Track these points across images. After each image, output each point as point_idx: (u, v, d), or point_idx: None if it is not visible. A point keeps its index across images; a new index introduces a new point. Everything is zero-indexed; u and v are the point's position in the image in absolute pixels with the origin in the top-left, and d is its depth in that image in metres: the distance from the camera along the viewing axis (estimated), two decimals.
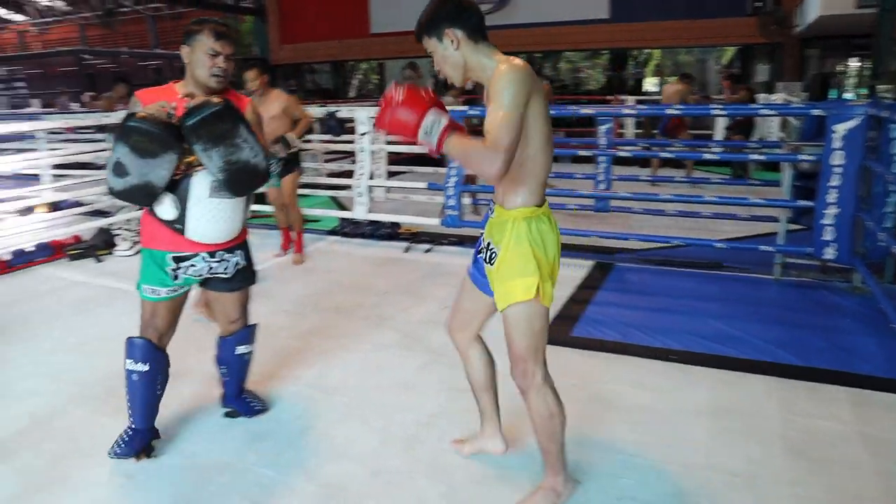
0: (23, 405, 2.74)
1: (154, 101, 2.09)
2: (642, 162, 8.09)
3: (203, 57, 2.15)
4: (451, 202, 4.81)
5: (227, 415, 2.57)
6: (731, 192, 6.39)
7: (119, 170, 2.00)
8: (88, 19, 23.31)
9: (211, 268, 2.27)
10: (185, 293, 2.33)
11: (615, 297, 3.94)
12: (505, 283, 1.82)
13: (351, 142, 5.61)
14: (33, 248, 5.03)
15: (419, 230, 5.41)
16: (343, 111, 5.40)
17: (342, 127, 5.25)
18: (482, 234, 1.97)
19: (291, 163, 4.62)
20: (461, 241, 5.22)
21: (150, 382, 2.24)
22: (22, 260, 4.91)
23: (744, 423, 2.50)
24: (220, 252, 2.27)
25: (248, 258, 2.40)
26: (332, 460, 2.29)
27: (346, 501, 2.08)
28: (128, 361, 2.21)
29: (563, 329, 3.45)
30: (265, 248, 5.18)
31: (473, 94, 7.07)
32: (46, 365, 3.14)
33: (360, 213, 5.38)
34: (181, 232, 2.16)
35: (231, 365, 2.49)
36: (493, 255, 1.84)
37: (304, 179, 6.63)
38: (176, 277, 2.22)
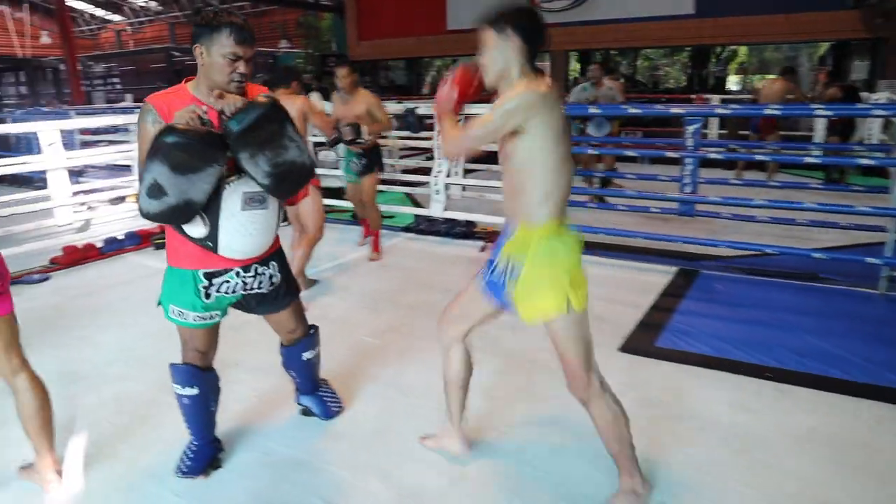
0: (111, 388, 2.83)
1: (168, 105, 1.86)
2: (725, 164, 7.72)
3: (221, 61, 1.84)
4: None
5: (303, 412, 2.55)
6: (828, 197, 5.98)
7: (155, 191, 1.76)
8: (178, 18, 24.41)
9: (245, 283, 2.07)
10: (219, 322, 2.14)
11: (702, 307, 3.73)
12: (533, 299, 1.84)
13: (428, 138, 5.58)
14: (123, 237, 5.25)
15: (494, 229, 5.31)
16: (422, 108, 5.37)
17: (421, 123, 5.22)
18: (495, 250, 1.98)
19: (372, 162, 4.63)
20: None
21: (201, 403, 2.15)
22: (112, 247, 5.14)
23: (849, 453, 2.28)
24: (254, 265, 2.08)
25: (283, 268, 2.19)
26: (409, 465, 2.24)
27: None
28: (175, 386, 2.11)
29: (647, 339, 3.29)
30: (343, 244, 5.23)
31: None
32: (133, 350, 3.24)
33: (436, 210, 5.34)
34: (213, 250, 1.93)
35: (299, 370, 2.44)
36: (515, 271, 1.85)
37: (381, 176, 6.68)
38: (208, 296, 2.02)
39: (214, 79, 1.87)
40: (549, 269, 1.81)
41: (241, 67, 1.86)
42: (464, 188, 5.86)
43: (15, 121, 10.13)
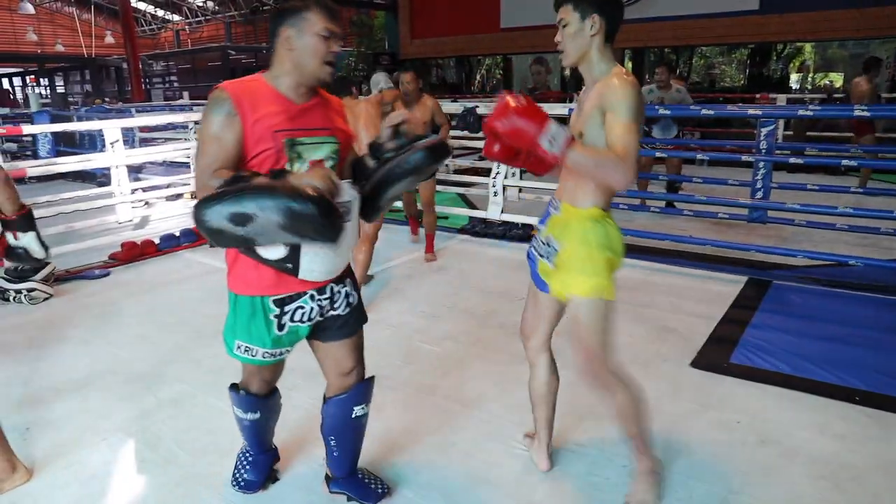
0: (168, 390, 2.81)
1: (250, 98, 1.60)
2: (790, 168, 7.35)
3: (313, 41, 1.62)
4: None
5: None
6: None
7: (240, 221, 1.46)
8: (234, 18, 24.92)
9: (322, 307, 1.77)
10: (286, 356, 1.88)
11: (778, 321, 3.49)
12: (571, 275, 1.83)
13: (483, 138, 5.47)
14: (179, 234, 5.30)
15: None
16: (482, 107, 5.25)
17: (480, 123, 5.12)
18: (539, 230, 1.99)
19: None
20: None
21: (263, 425, 2.02)
22: (170, 244, 5.19)
23: None
24: (330, 285, 1.78)
25: (356, 288, 1.91)
26: (473, 486, 2.12)
27: None
28: (236, 410, 1.96)
29: (721, 354, 3.09)
30: (396, 245, 5.17)
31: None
32: (188, 351, 3.23)
33: (493, 212, 5.21)
34: (292, 272, 1.66)
35: (344, 433, 1.96)
36: (554, 251, 1.87)
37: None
38: (281, 328, 1.74)
39: (306, 63, 1.63)
40: (590, 250, 1.81)
41: (335, 46, 1.66)
42: (521, 190, 5.72)
43: (80, 118, 10.45)
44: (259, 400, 1.95)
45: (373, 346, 3.20)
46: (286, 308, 1.72)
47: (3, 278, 4.08)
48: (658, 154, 5.19)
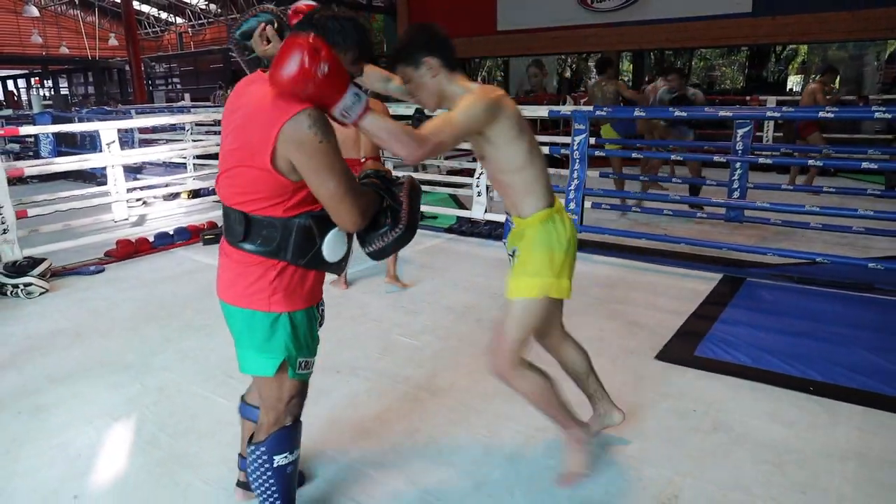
0: (154, 379, 2.94)
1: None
2: (779, 168, 7.47)
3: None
4: (572, 205, 4.64)
5: None
6: (888, 204, 5.70)
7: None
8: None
9: (322, 316, 1.82)
10: None
11: (746, 316, 3.61)
12: (518, 278, 1.95)
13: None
14: (173, 232, 5.44)
15: None
16: None
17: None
18: (505, 243, 2.14)
19: None
20: (580, 245, 5.02)
21: (297, 464, 1.82)
22: (163, 242, 5.34)
23: (895, 474, 2.18)
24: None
25: None
26: (436, 467, 2.25)
27: None
28: (277, 458, 1.71)
29: (686, 347, 3.21)
30: None
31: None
32: (176, 342, 3.36)
33: (477, 212, 5.34)
34: (339, 270, 1.71)
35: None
36: (512, 256, 2.03)
37: (425, 176, 6.72)
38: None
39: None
40: (536, 254, 1.92)
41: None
42: None
43: (80, 119, 10.61)
44: (300, 428, 1.79)
45: (353, 338, 3.36)
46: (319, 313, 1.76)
47: (2, 273, 4.23)
48: (635, 154, 5.28)
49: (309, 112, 1.44)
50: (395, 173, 1.95)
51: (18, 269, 4.28)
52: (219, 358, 3.10)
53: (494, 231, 5.37)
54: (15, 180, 4.44)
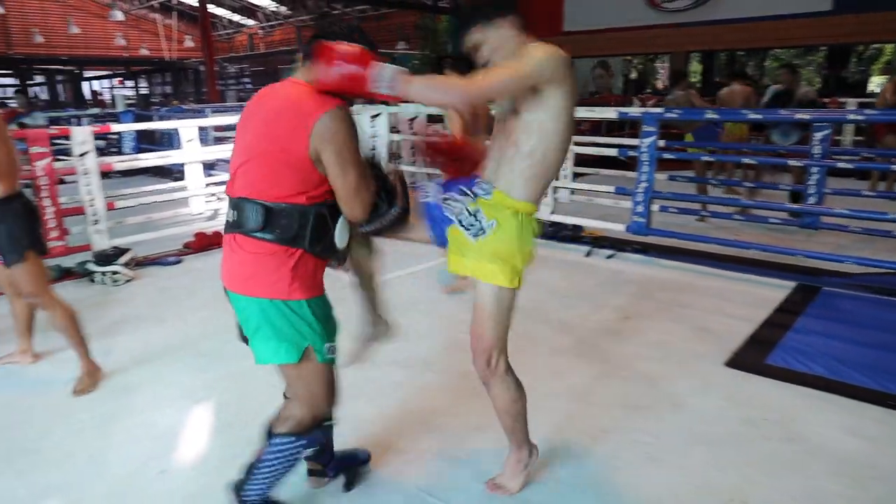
0: (228, 365, 3.07)
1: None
2: (860, 174, 7.14)
3: None
4: (640, 208, 4.58)
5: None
6: None
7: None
8: (305, 22, 25.77)
9: None
10: None
11: (821, 326, 3.49)
12: (488, 263, 1.82)
13: None
14: None
15: (601, 234, 5.24)
16: None
17: None
18: (460, 197, 1.89)
19: None
20: (645, 248, 4.96)
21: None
22: None
23: None
24: None
25: None
26: (501, 463, 2.28)
27: None
28: (307, 451, 1.85)
29: (757, 355, 3.13)
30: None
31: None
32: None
33: (543, 213, 5.33)
34: (344, 259, 1.85)
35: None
36: (481, 229, 1.83)
37: None
38: None
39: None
40: (519, 243, 1.83)
41: None
42: (572, 192, 5.81)
43: (160, 118, 11.15)
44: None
45: (423, 334, 3.43)
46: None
47: (91, 262, 4.51)
48: (705, 158, 5.10)
49: (343, 108, 1.60)
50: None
51: (106, 257, 4.55)
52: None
53: (559, 233, 5.35)
54: (101, 175, 4.72)
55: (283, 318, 1.65)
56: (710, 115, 4.60)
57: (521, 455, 2.08)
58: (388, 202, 1.77)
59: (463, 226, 1.87)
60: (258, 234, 1.63)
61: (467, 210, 1.86)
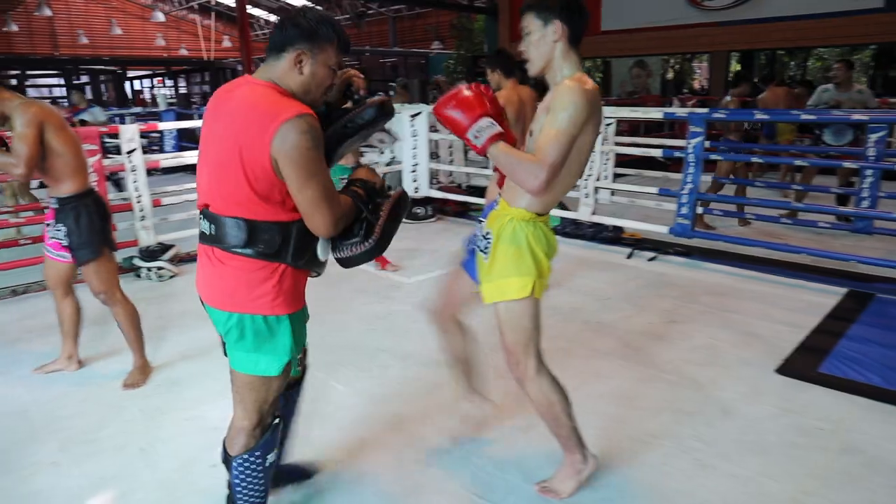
0: None
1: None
2: None
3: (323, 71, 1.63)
4: (684, 210, 4.50)
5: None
6: None
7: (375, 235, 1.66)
8: (340, 22, 25.98)
9: None
10: None
11: (875, 334, 3.37)
12: (497, 280, 1.88)
13: None
14: None
15: (642, 236, 5.16)
16: None
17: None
18: (482, 222, 2.02)
19: None
20: (689, 251, 4.88)
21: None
22: None
23: None
24: None
25: None
26: (550, 465, 2.24)
27: None
28: (270, 457, 1.76)
29: (809, 363, 3.04)
30: None
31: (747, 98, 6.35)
32: None
33: (584, 213, 5.27)
34: (323, 269, 1.75)
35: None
36: (490, 243, 1.90)
37: None
38: None
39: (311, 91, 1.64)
40: (519, 252, 1.85)
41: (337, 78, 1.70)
42: (613, 192, 5.74)
43: (200, 116, 11.33)
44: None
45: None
46: None
47: (137, 257, 4.60)
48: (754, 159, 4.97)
49: (305, 117, 1.46)
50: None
51: (151, 253, 4.65)
52: (330, 345, 3.24)
53: (599, 234, 5.29)
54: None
55: (264, 334, 1.61)
56: (760, 116, 4.49)
57: (573, 459, 2.06)
58: (366, 232, 1.66)
59: (480, 249, 1.96)
60: (241, 251, 1.55)
61: (482, 235, 1.96)
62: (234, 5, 21.37)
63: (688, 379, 2.90)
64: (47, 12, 21.59)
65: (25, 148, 2.57)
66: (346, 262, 1.69)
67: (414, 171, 6.22)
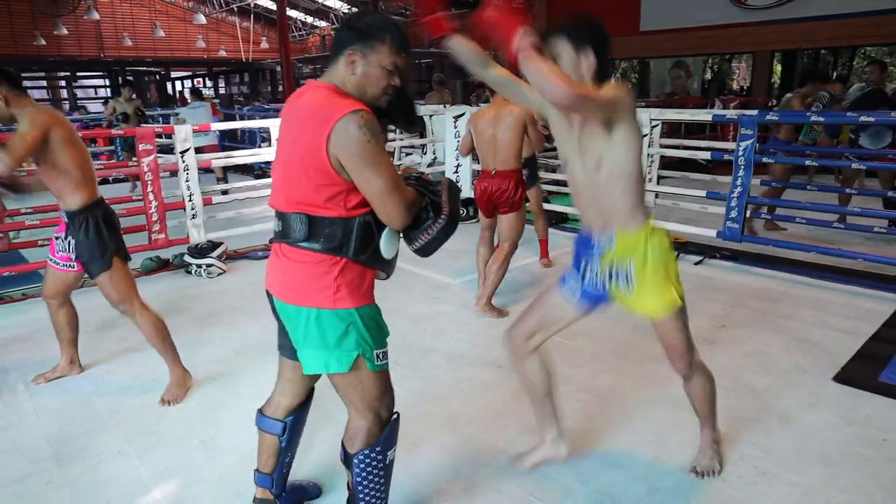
0: None
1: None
2: None
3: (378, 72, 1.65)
4: (734, 213, 4.43)
5: None
6: None
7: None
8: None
9: None
10: None
11: None
12: (658, 296, 1.90)
13: None
14: None
15: (687, 240, 5.09)
16: None
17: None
18: (586, 262, 1.99)
19: (532, 176, 4.73)
20: (735, 255, 4.79)
21: None
22: None
23: None
24: None
25: None
26: (606, 468, 2.25)
27: None
28: (390, 454, 1.79)
29: (869, 371, 2.97)
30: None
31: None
32: None
33: None
34: (391, 270, 1.76)
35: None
36: (623, 273, 1.90)
37: (559, 176, 6.67)
38: None
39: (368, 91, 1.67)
40: (662, 267, 1.89)
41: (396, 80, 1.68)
42: (657, 195, 5.66)
43: (242, 117, 11.55)
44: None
45: None
46: None
47: (188, 254, 4.71)
48: (855, 165, 4.71)
49: (361, 112, 1.50)
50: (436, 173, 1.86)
51: (201, 250, 4.75)
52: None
53: None
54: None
55: (331, 328, 1.61)
56: (815, 118, 4.40)
57: (716, 436, 2.23)
58: (434, 212, 1.68)
59: (612, 289, 1.96)
60: (303, 244, 1.60)
61: (607, 273, 1.94)
62: (273, 8, 21.75)
63: (743, 385, 2.85)
64: (95, 16, 22.25)
65: (21, 146, 2.47)
66: (425, 249, 1.70)
67: (456, 172, 6.24)
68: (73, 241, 2.71)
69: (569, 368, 3.02)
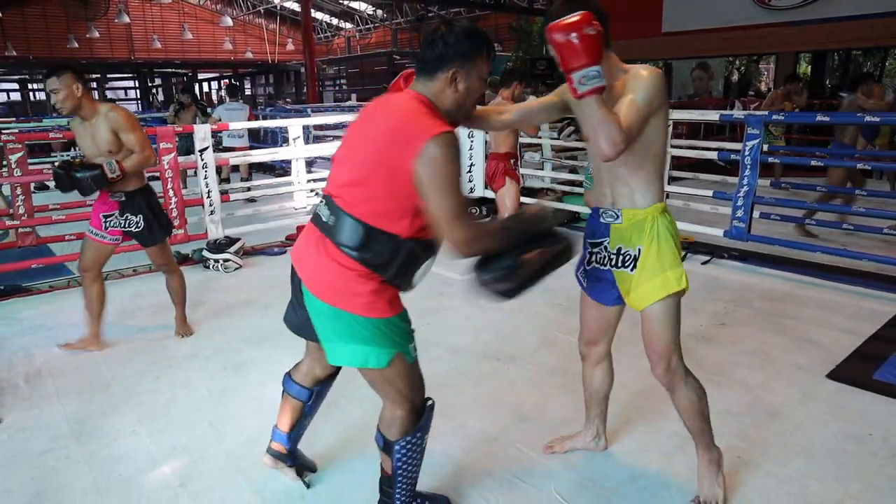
0: None
1: None
2: None
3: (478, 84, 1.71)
4: (740, 213, 4.46)
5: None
6: None
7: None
8: (400, 24, 26.40)
9: None
10: None
11: None
12: (654, 278, 1.85)
13: None
14: None
15: (695, 240, 5.12)
16: None
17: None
18: (590, 242, 2.01)
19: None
20: (743, 255, 4.82)
21: None
22: None
23: None
24: None
25: None
26: (592, 455, 2.33)
27: (599, 496, 2.11)
28: (426, 437, 1.88)
29: (863, 369, 3.00)
30: None
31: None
32: None
33: None
34: (408, 289, 1.78)
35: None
36: (630, 257, 1.89)
37: (571, 176, 6.72)
38: None
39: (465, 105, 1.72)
40: (669, 244, 1.86)
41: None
42: (667, 195, 5.70)
43: (264, 117, 11.78)
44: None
45: (512, 331, 3.51)
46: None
47: (206, 249, 4.88)
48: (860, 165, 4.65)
49: (448, 134, 1.53)
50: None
51: (218, 246, 4.92)
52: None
53: None
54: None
55: (365, 330, 1.65)
56: (822, 118, 4.41)
57: (713, 456, 2.04)
58: (504, 275, 1.66)
59: (614, 267, 1.95)
60: (349, 252, 1.62)
61: (611, 254, 1.94)
62: (298, 9, 22.05)
63: (736, 381, 2.91)
64: (126, 19, 22.79)
65: (145, 141, 3.14)
66: (481, 291, 1.70)
67: (470, 172, 6.33)
68: (136, 218, 3.20)
69: (568, 363, 3.10)
